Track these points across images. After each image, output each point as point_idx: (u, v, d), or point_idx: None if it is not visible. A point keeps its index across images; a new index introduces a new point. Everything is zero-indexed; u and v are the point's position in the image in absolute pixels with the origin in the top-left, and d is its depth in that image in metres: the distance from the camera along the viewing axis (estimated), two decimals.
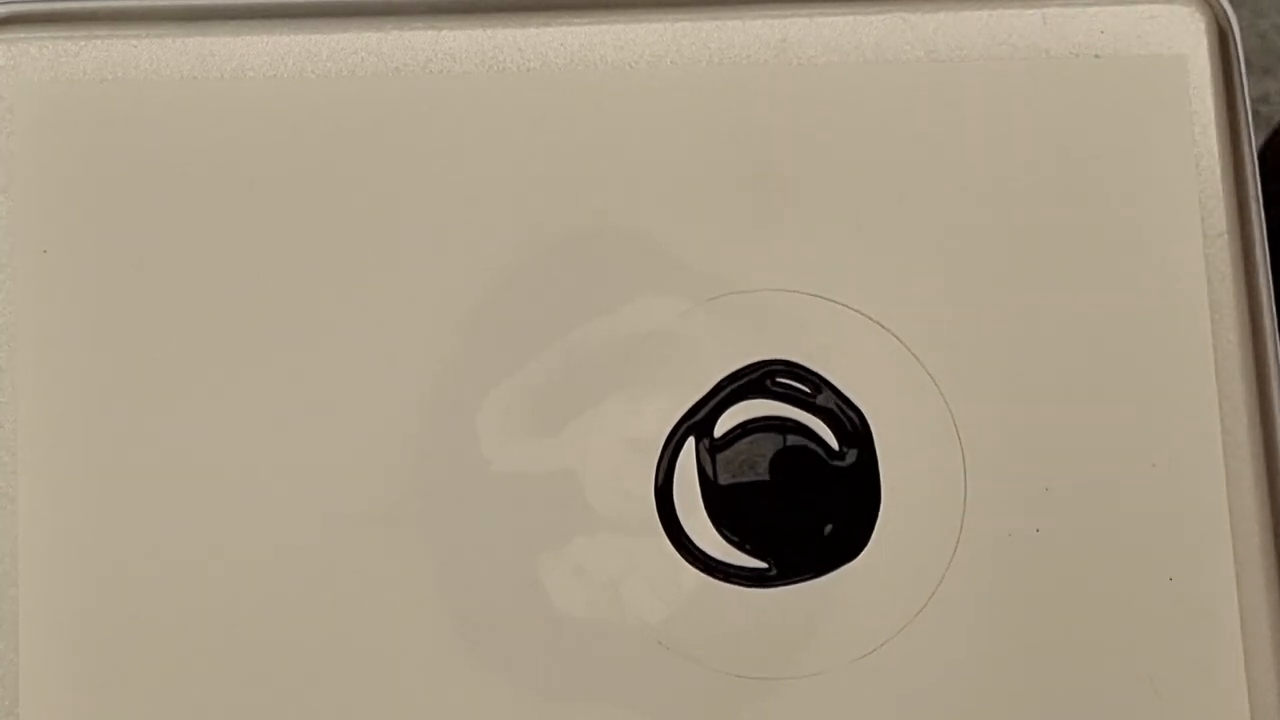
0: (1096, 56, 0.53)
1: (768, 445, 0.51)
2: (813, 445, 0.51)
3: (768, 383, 0.51)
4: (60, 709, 0.49)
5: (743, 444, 0.51)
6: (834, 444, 0.51)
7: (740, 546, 0.50)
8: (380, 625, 0.49)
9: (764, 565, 0.50)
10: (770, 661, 0.50)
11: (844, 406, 0.51)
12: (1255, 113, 0.55)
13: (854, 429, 0.51)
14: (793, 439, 0.51)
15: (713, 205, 0.52)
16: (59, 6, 0.53)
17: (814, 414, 0.51)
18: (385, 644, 0.49)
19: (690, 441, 0.51)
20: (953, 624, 0.50)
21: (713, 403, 0.51)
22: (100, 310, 0.51)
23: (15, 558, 0.50)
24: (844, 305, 0.52)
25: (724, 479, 0.51)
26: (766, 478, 0.51)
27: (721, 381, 0.51)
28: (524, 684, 0.49)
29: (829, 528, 0.50)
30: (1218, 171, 0.52)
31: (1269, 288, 0.51)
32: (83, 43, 0.52)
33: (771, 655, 0.50)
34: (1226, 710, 0.50)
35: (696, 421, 0.51)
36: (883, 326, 0.51)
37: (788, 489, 0.51)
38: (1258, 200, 0.52)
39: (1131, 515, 0.51)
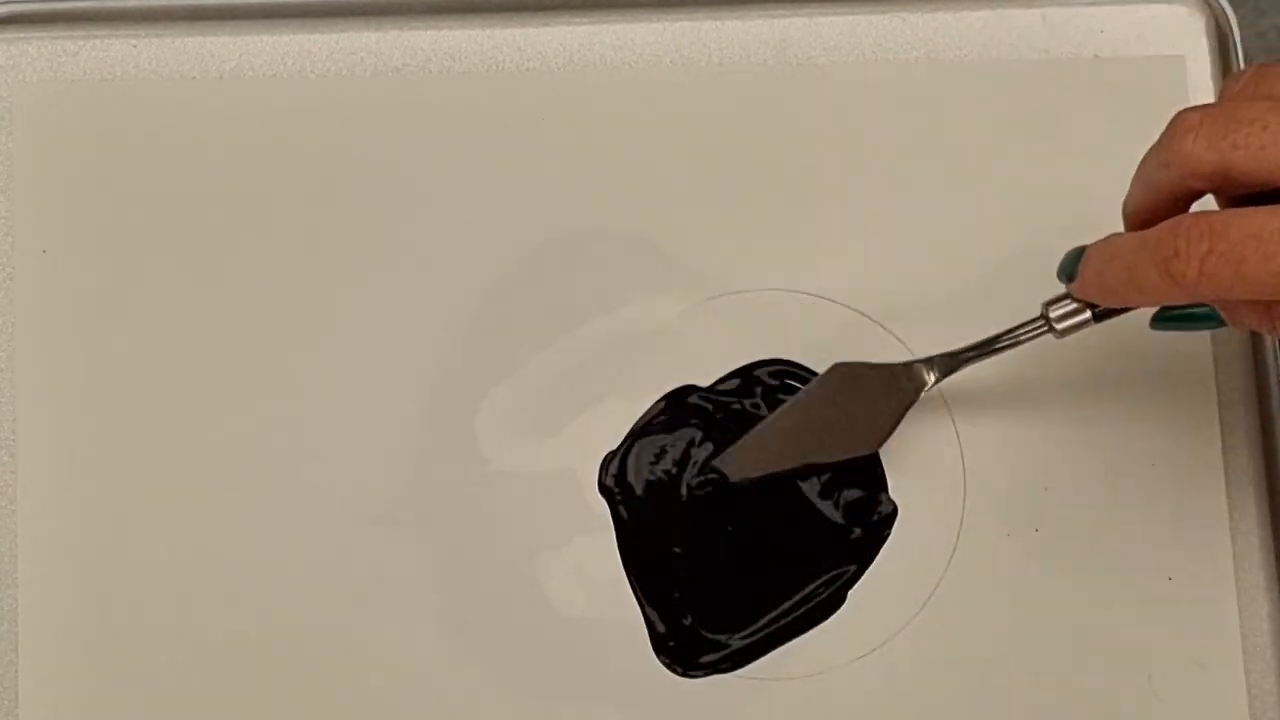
0: (1096, 56, 0.53)
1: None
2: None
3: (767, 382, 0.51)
4: (60, 709, 0.49)
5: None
6: None
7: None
8: (380, 625, 0.49)
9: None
10: (770, 661, 0.50)
11: None
12: None
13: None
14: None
15: (713, 205, 0.52)
16: (59, 6, 0.53)
17: None
18: (385, 643, 0.49)
19: None
20: (952, 624, 0.50)
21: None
22: (100, 310, 0.51)
23: (15, 558, 0.50)
24: (844, 305, 0.52)
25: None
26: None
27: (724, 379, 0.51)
28: (524, 684, 0.49)
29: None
30: None
31: None
32: (83, 43, 0.52)
33: (771, 655, 0.50)
34: (1226, 710, 0.50)
35: None
36: (883, 327, 0.51)
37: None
38: None
39: (1131, 515, 0.51)
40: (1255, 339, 0.52)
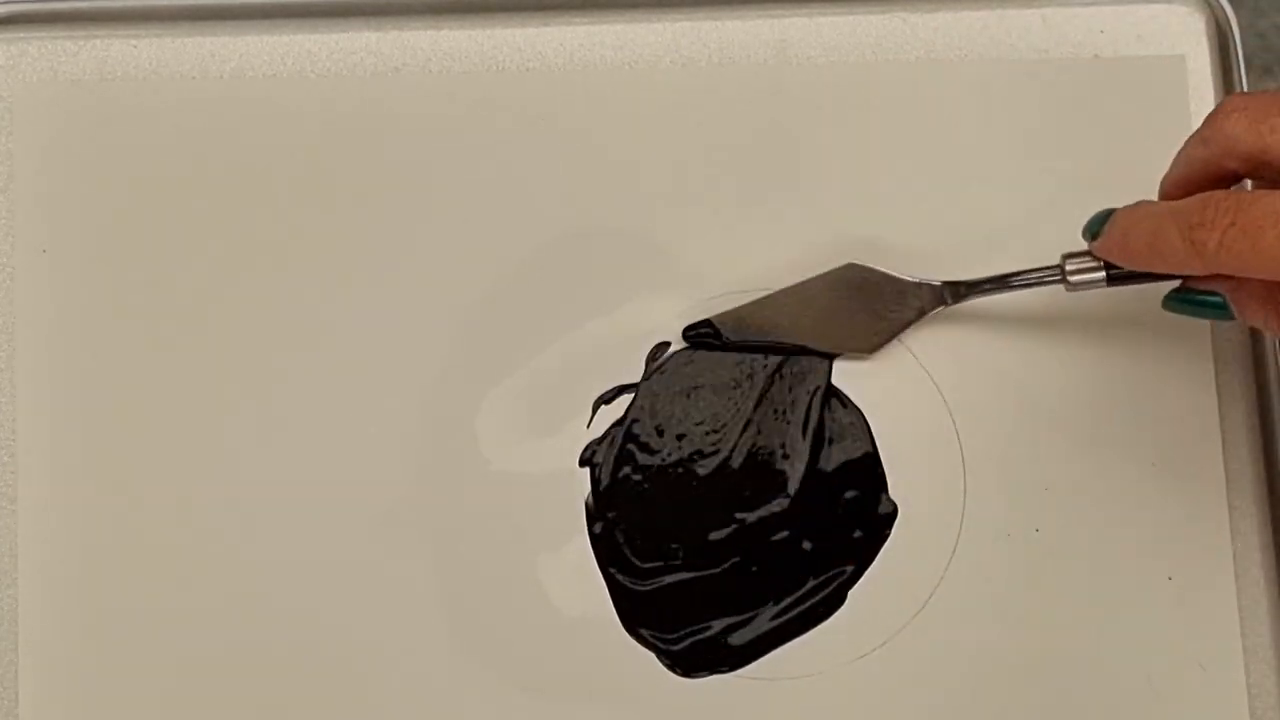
0: (1096, 56, 0.53)
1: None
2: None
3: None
4: (60, 709, 0.49)
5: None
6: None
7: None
8: (380, 624, 0.49)
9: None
10: (770, 661, 0.50)
11: (842, 405, 0.51)
12: None
13: (852, 429, 0.51)
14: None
15: (713, 205, 0.52)
16: (59, 6, 0.53)
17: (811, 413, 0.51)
18: (385, 642, 0.49)
19: None
20: (952, 624, 0.50)
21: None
22: (100, 310, 0.51)
23: (15, 558, 0.50)
24: None
25: None
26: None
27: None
28: (523, 683, 0.49)
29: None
30: None
31: None
32: (83, 43, 0.52)
33: (771, 655, 0.50)
34: (1226, 710, 0.50)
35: None
36: None
37: None
38: None
39: (1131, 515, 0.51)
40: (1255, 338, 0.52)
